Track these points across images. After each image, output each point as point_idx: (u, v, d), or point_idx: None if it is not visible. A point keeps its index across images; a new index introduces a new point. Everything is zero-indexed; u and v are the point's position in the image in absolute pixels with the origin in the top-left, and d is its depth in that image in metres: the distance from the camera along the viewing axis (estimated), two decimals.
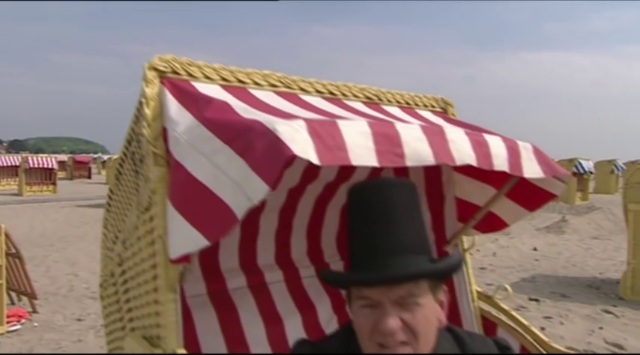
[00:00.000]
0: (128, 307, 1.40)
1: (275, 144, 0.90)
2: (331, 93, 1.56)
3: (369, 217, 0.92)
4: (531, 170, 1.40)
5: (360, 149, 1.02)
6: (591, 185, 18.92)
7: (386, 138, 1.07)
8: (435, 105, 1.84)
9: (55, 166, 20.26)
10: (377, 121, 1.15)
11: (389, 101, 1.69)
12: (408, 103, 1.75)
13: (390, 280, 0.87)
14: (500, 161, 1.31)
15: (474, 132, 1.33)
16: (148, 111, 1.17)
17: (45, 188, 19.82)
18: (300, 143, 0.91)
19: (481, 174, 1.74)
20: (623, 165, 19.31)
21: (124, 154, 1.43)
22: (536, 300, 5.26)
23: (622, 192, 5.64)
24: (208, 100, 1.12)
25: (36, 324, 4.50)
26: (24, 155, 21.82)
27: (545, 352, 1.56)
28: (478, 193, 1.74)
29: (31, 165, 19.33)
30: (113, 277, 1.52)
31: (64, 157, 33.29)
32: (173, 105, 1.15)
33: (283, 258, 2.07)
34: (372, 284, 0.87)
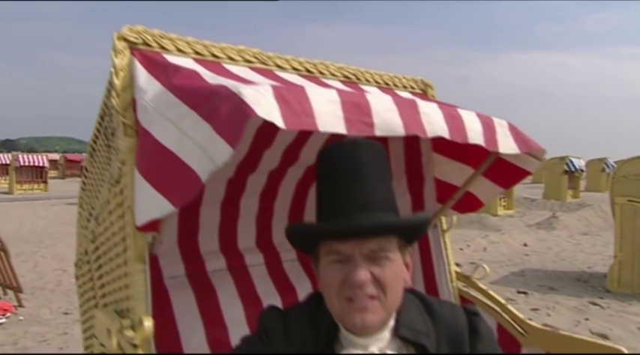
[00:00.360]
0: (101, 283, 1.38)
1: (239, 106, 0.89)
2: (308, 71, 1.56)
3: (340, 174, 0.91)
4: (507, 146, 1.41)
5: (328, 116, 1.01)
6: (583, 183, 19.06)
7: (355, 106, 1.07)
8: (414, 86, 1.84)
9: (46, 164, 20.08)
10: (347, 91, 1.15)
11: (367, 81, 1.69)
12: (387, 84, 1.75)
13: (366, 230, 0.86)
14: (474, 134, 1.32)
15: (449, 106, 1.33)
16: (117, 82, 1.16)
17: (36, 186, 19.64)
18: (265, 106, 0.90)
19: (460, 154, 1.75)
20: (613, 164, 19.47)
21: (97, 130, 1.42)
22: (525, 293, 5.30)
23: (609, 186, 5.69)
24: (177, 68, 1.12)
25: (21, 318, 4.45)
26: (14, 153, 21.61)
27: (521, 329, 1.57)
28: (457, 174, 1.75)
29: (22, 164, 19.15)
30: (87, 255, 1.51)
31: (55, 156, 33.03)
32: (142, 75, 1.14)
33: (264, 241, 2.06)
34: (344, 237, 0.87)
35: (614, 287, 5.33)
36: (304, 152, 1.93)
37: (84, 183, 1.57)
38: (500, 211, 12.62)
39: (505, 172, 1.60)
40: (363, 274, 0.84)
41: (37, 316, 4.56)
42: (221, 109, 0.92)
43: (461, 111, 1.33)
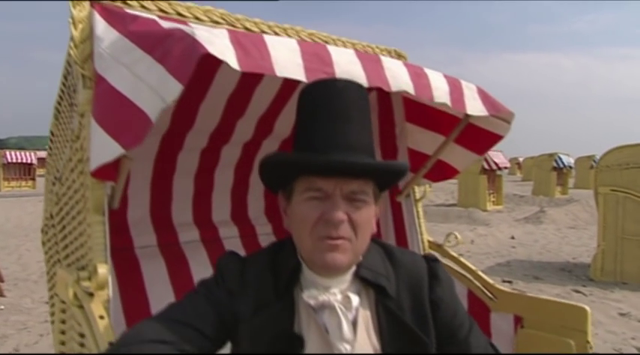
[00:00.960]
0: (64, 244, 1.37)
1: (191, 45, 0.88)
2: (277, 34, 1.55)
3: (326, 112, 0.87)
4: (475, 108, 1.41)
5: (287, 63, 1.00)
6: (572, 181, 19.23)
7: (316, 56, 1.06)
8: (387, 56, 1.84)
9: (34, 161, 19.86)
10: (307, 42, 1.15)
11: None
12: None
13: (357, 168, 0.84)
14: (440, 93, 1.32)
15: (414, 66, 1.33)
16: (75, 33, 1.14)
17: (24, 183, 19.42)
18: (219, 46, 0.90)
19: (432, 123, 1.76)
20: None
21: (62, 91, 1.40)
22: (509, 282, 5.33)
23: (593, 176, 5.75)
24: (135, 17, 1.11)
25: (2, 307, 4.40)
26: (2, 150, 21.34)
27: (491, 294, 1.58)
28: (429, 142, 1.75)
29: (10, 161, 18.93)
30: (52, 218, 1.49)
31: (45, 154, 32.70)
32: (100, 25, 1.13)
33: (239, 215, 2.05)
34: (329, 172, 0.84)
35: (597, 276, 5.39)
36: (278, 124, 1.92)
37: (50, 148, 1.55)
38: (489, 207, 12.70)
39: (477, 138, 1.61)
40: (341, 214, 0.84)
41: (19, 305, 4.50)
42: (174, 51, 0.92)
43: (427, 71, 1.33)
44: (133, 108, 0.93)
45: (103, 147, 0.98)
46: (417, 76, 1.28)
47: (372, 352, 0.90)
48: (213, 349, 0.91)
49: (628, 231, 5.23)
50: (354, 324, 0.90)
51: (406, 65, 1.28)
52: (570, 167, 17.52)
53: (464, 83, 1.43)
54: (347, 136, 0.87)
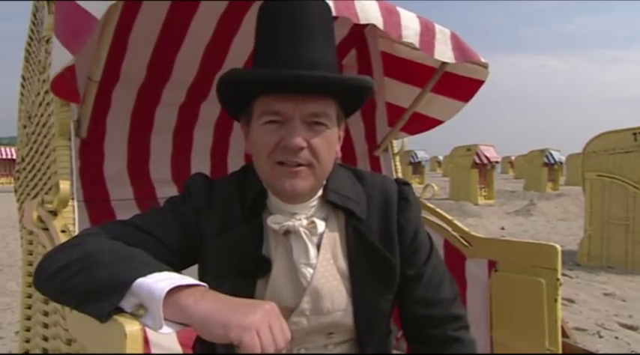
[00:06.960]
0: (34, 182, 1.35)
1: None
2: None
3: (286, 27, 0.82)
4: (443, 54, 1.41)
5: None
6: (563, 179, 19.38)
7: None
8: None
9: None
10: None
11: None
12: None
13: (315, 81, 0.79)
14: (410, 33, 1.32)
15: (389, 4, 1.33)
16: None
17: (5, 180, 19.14)
18: None
19: (410, 76, 1.76)
20: None
21: (31, 30, 1.38)
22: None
23: (580, 162, 5.80)
24: None
25: None
26: None
27: (466, 242, 1.58)
28: (407, 95, 1.76)
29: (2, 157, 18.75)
30: (23, 161, 1.47)
31: None
32: None
33: (220, 174, 2.04)
34: (287, 89, 0.80)
35: (584, 261, 5.42)
36: None
37: (22, 94, 1.54)
38: (481, 201, 12.76)
39: (458, 86, 1.62)
40: (300, 140, 0.80)
41: (4, 288, 4.46)
42: None
43: (400, 9, 1.34)
44: (81, 12, 0.92)
45: (58, 58, 0.97)
46: (389, 12, 1.28)
47: (335, 275, 0.90)
48: (180, 264, 0.89)
49: (614, 216, 5.27)
50: (319, 249, 0.89)
51: (379, 2, 1.28)
52: (561, 163, 17.67)
53: (438, 27, 1.43)
54: (309, 53, 0.82)
